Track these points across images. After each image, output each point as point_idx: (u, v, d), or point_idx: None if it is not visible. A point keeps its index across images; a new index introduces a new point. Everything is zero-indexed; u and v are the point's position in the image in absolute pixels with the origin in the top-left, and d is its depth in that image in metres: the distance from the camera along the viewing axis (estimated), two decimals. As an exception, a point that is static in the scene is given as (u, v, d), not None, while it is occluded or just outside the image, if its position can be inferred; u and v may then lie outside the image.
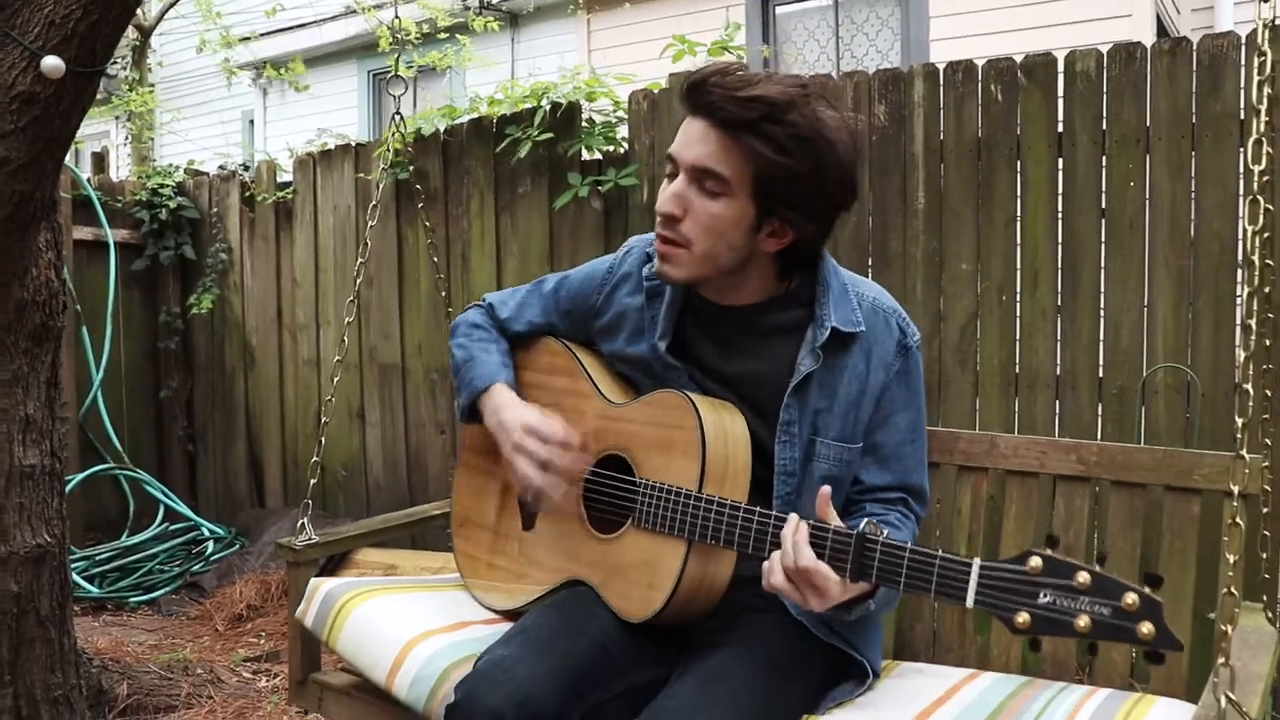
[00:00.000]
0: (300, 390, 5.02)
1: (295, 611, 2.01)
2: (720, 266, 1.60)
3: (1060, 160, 3.11)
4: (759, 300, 1.67)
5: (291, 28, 9.00)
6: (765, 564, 1.45)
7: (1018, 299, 3.16)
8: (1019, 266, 3.17)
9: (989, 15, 6.39)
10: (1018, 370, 3.16)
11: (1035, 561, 1.25)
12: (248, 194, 5.15)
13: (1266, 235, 1.54)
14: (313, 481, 2.11)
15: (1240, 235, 2.90)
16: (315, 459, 2.18)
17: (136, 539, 4.88)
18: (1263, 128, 1.29)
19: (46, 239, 2.50)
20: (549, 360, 1.88)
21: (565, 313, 1.88)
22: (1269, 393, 1.71)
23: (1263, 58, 1.31)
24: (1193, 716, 1.21)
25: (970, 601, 1.30)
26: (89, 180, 5.12)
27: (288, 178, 5.13)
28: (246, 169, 5.45)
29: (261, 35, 8.83)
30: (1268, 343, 1.80)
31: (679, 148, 1.59)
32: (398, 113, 2.29)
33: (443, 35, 6.65)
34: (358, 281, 2.21)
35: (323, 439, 2.24)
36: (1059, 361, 3.11)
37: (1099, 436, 3.03)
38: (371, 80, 9.07)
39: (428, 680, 1.69)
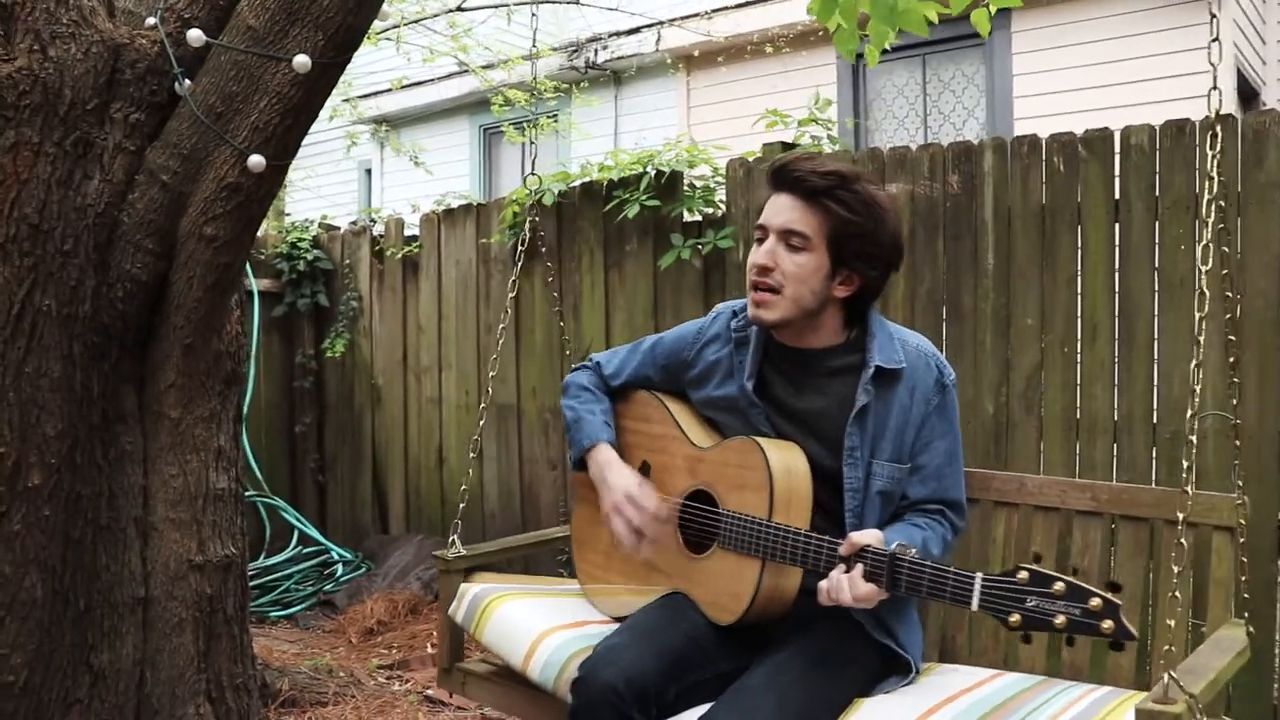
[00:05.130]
0: (423, 427, 5.49)
1: (448, 609, 2.45)
2: (803, 309, 2.01)
3: (1117, 225, 3.42)
4: (826, 346, 2.09)
5: (407, 85, 9.63)
6: (822, 584, 1.85)
7: (1078, 351, 3.47)
8: (1079, 321, 3.48)
9: (1071, 73, 6.65)
10: (1078, 416, 3.45)
11: (1023, 575, 1.62)
12: (377, 248, 5.68)
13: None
14: (461, 505, 2.53)
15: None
16: (463, 486, 2.63)
17: (273, 560, 5.40)
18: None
19: (235, 299, 2.98)
20: (644, 410, 2.32)
21: (662, 366, 2.32)
22: (1238, 443, 2.00)
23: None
24: (1150, 694, 1.51)
25: (975, 605, 1.66)
26: (238, 236, 5.68)
27: (410, 232, 5.63)
28: (373, 221, 5.98)
29: (379, 93, 9.49)
30: (1234, 402, 2.07)
31: (768, 217, 2.04)
32: (532, 172, 2.76)
33: (550, 98, 7.16)
34: (500, 331, 2.63)
35: (470, 470, 2.66)
36: (1116, 408, 3.40)
37: (1154, 477, 3.31)
38: (482, 134, 9.65)
39: (556, 665, 2.11)
